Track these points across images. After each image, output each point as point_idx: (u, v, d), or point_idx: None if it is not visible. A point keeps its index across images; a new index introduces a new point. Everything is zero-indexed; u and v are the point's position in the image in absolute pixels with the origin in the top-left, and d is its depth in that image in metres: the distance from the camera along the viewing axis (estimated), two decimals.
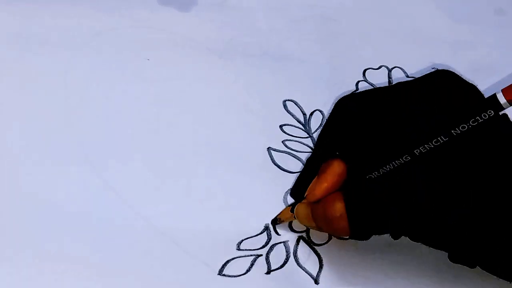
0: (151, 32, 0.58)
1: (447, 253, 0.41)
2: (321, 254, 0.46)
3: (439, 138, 0.39)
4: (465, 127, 0.39)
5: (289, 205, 0.47)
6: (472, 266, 0.41)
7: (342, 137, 0.44)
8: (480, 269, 0.41)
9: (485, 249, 0.39)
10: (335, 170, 0.43)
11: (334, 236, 0.47)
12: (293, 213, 0.45)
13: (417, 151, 0.40)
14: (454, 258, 0.41)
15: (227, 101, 0.54)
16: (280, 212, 0.47)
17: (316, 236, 0.47)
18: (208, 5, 0.61)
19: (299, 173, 0.50)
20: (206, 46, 0.57)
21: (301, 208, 0.44)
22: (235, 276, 0.45)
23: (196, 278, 0.44)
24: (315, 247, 0.47)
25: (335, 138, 0.45)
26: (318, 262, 0.46)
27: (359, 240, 0.42)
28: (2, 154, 0.48)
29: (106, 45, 0.56)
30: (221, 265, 0.45)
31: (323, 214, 0.41)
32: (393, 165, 0.40)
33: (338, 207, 0.40)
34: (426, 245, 0.41)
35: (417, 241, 0.41)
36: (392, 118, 0.43)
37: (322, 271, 0.46)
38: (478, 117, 0.39)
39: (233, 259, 0.45)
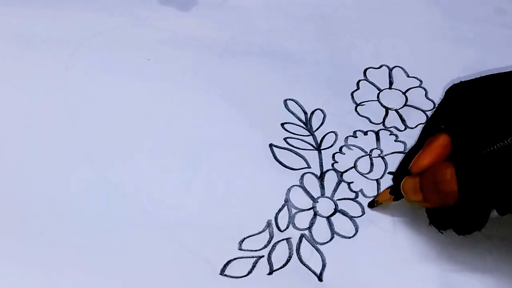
0: (152, 31, 0.58)
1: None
2: (323, 253, 0.46)
3: None
4: None
5: (388, 188, 0.48)
6: None
7: (450, 114, 0.46)
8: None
9: None
10: (440, 142, 0.44)
11: (431, 223, 0.46)
12: (392, 195, 0.46)
13: None
14: None
15: (228, 99, 0.54)
16: (378, 194, 0.48)
17: (319, 234, 0.47)
18: (208, 5, 0.61)
19: (401, 160, 0.51)
20: (206, 45, 0.57)
21: (408, 181, 0.45)
22: (236, 277, 0.45)
23: (198, 276, 0.44)
24: (318, 245, 0.47)
25: (442, 117, 0.46)
26: (321, 261, 0.46)
27: (465, 214, 0.42)
28: (3, 152, 0.48)
29: (106, 44, 0.56)
30: (222, 265, 0.45)
31: (432, 179, 0.42)
32: (509, 142, 0.41)
33: (449, 171, 0.41)
34: None
35: None
36: (507, 99, 0.43)
37: (325, 269, 0.45)
38: None
39: (235, 259, 0.45)
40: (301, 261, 0.46)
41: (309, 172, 0.50)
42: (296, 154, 0.51)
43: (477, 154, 0.42)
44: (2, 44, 0.55)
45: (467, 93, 0.46)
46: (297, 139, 0.52)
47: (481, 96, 0.45)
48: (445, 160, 0.43)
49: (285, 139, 0.52)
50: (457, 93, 0.47)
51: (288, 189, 0.49)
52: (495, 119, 0.43)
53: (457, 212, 0.42)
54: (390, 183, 0.50)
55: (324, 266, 0.46)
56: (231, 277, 0.45)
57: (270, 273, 0.45)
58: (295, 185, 0.49)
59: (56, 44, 0.55)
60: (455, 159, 0.43)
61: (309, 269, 0.45)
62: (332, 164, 0.51)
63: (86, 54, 0.55)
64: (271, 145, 0.51)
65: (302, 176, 0.50)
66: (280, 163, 0.51)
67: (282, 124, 0.53)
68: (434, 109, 0.49)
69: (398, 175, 0.49)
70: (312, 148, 0.52)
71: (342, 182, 0.50)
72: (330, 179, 0.50)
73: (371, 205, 0.48)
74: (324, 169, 0.50)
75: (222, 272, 0.45)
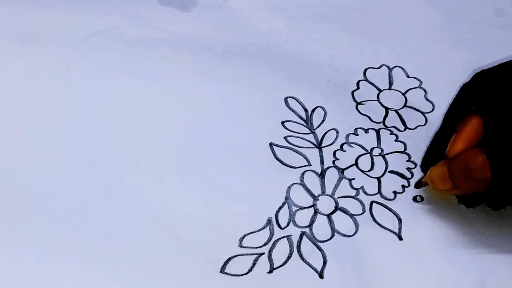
0: (152, 31, 0.58)
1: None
2: (324, 250, 0.46)
3: None
4: None
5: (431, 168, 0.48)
6: None
7: (480, 97, 0.46)
8: None
9: None
10: (473, 124, 0.44)
11: (460, 201, 0.47)
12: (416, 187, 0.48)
13: None
14: None
15: (228, 99, 0.54)
16: (424, 176, 0.48)
17: (319, 232, 0.47)
18: (209, 6, 0.61)
19: (426, 148, 0.51)
20: (206, 45, 0.57)
21: (435, 170, 0.46)
22: (237, 275, 0.45)
23: (198, 274, 0.44)
24: (318, 243, 0.46)
25: (470, 100, 0.46)
26: (322, 258, 0.46)
27: (499, 199, 0.43)
28: (3, 151, 0.48)
29: (106, 43, 0.56)
30: (223, 262, 0.45)
31: (463, 167, 0.43)
32: None
33: (481, 158, 0.42)
34: None
35: None
36: None
37: (326, 266, 0.45)
38: None
39: (235, 256, 0.45)
40: (302, 258, 0.46)
41: (310, 170, 0.50)
42: (297, 152, 0.51)
43: (508, 139, 0.42)
44: (2, 43, 0.55)
45: (495, 77, 0.46)
46: (298, 137, 0.52)
47: (509, 80, 0.45)
48: (476, 143, 0.44)
49: (285, 137, 0.52)
50: (484, 77, 0.47)
51: (289, 187, 0.49)
52: None
53: (490, 195, 0.43)
54: (391, 182, 0.50)
55: (325, 263, 0.45)
56: (232, 275, 0.45)
57: (270, 271, 0.45)
58: (296, 183, 0.49)
59: (56, 43, 0.55)
60: (485, 144, 0.43)
61: (310, 266, 0.45)
62: (333, 162, 0.51)
63: (86, 53, 0.55)
64: (271, 144, 0.51)
65: (303, 174, 0.50)
66: (281, 161, 0.50)
67: (283, 123, 0.53)
68: (456, 94, 0.48)
69: (428, 161, 0.49)
70: (313, 146, 0.52)
71: (343, 179, 0.50)
72: (331, 176, 0.50)
73: (419, 185, 0.49)
74: (325, 166, 0.50)
75: (222, 270, 0.45)
